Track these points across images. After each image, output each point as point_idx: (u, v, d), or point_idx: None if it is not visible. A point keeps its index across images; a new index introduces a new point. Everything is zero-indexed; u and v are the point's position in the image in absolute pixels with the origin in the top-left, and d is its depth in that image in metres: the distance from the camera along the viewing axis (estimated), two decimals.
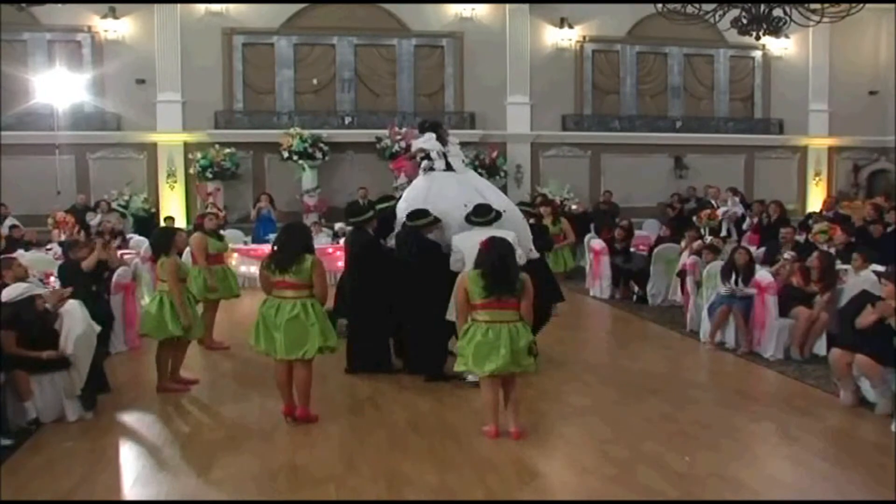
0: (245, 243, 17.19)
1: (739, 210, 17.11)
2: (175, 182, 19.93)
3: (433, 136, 10.00)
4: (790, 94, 22.67)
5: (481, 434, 7.13)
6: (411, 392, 8.65)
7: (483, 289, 6.89)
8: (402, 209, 9.46)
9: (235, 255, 14.89)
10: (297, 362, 7.42)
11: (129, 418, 7.91)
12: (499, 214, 9.01)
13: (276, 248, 7.60)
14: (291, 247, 7.42)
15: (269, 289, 7.52)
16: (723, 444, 7.10)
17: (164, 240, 9.07)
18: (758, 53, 22.59)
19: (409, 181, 10.33)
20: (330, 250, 16.25)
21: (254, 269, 14.38)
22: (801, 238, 13.07)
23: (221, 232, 12.18)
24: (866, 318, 7.91)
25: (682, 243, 13.79)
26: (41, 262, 12.00)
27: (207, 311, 10.74)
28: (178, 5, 19.79)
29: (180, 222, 18.42)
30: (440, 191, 9.53)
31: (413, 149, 10.17)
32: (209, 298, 10.71)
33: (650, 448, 6.96)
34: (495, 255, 7.04)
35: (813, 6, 12.55)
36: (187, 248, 11.32)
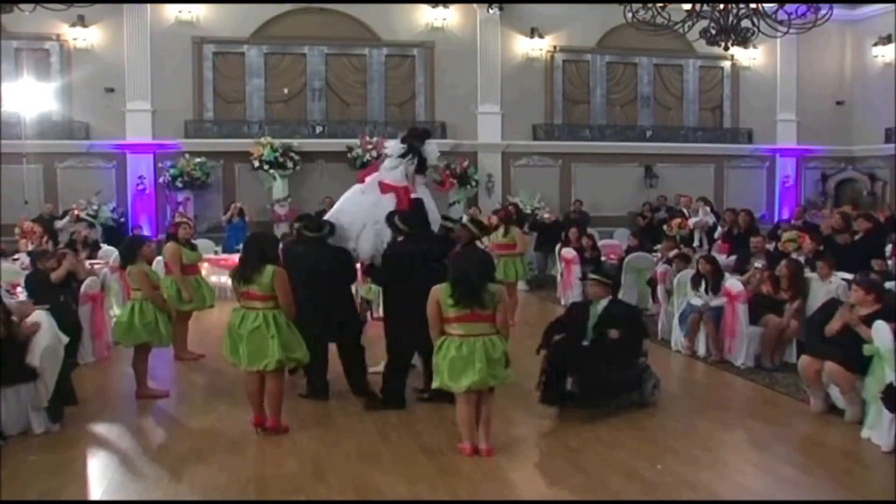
0: (216, 253, 17.08)
1: (710, 220, 17.19)
2: (144, 191, 19.78)
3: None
4: (758, 103, 22.90)
5: (453, 446, 7.06)
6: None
7: (454, 299, 6.77)
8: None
9: (206, 264, 14.80)
10: (268, 374, 7.33)
11: (97, 430, 7.82)
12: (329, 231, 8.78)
13: (240, 259, 7.55)
14: (253, 258, 7.36)
15: (238, 298, 7.48)
16: (693, 452, 7.12)
17: (129, 249, 9.10)
18: (726, 64, 22.80)
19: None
20: None
21: (224, 279, 14.29)
22: (770, 247, 13.15)
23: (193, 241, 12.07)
24: (833, 325, 7.97)
25: (659, 253, 13.89)
26: (8, 273, 11.85)
27: (181, 321, 10.67)
28: (149, 14, 19.70)
29: (150, 232, 18.31)
30: None
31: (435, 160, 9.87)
32: (182, 309, 10.63)
33: (620, 457, 6.97)
34: (465, 267, 6.96)
35: (780, 17, 12.65)
36: (158, 258, 11.30)
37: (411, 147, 9.34)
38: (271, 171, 19.43)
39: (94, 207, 18.73)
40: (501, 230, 13.90)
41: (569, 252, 15.30)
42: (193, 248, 11.30)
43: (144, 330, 8.67)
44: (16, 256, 13.99)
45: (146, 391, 8.85)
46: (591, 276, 8.81)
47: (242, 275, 7.31)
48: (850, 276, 9.38)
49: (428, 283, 7.63)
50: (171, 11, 19.90)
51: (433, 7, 20.91)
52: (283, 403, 7.58)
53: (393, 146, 9.50)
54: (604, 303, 8.43)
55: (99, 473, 6.77)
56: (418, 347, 8.43)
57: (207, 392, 9.18)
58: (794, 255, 11.95)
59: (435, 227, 9.13)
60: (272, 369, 7.28)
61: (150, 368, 9.15)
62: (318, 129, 20.54)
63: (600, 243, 16.31)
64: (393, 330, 8.51)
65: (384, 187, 9.22)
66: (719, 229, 16.27)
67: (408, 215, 8.65)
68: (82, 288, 10.54)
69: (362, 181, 9.66)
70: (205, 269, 14.04)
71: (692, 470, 6.66)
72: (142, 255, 9.03)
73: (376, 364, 8.95)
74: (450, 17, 21.08)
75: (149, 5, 19.67)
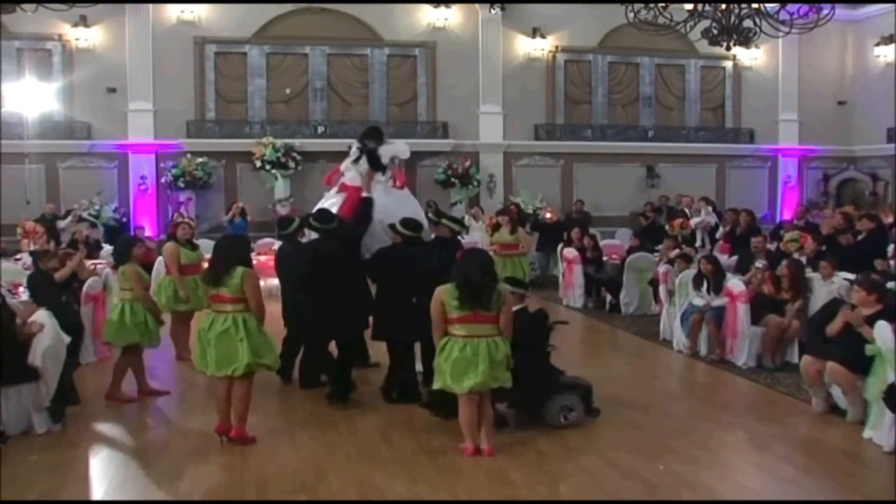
0: None
1: (712, 220, 17.16)
2: (146, 191, 19.79)
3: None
4: (760, 103, 22.93)
5: (454, 447, 7.06)
6: (383, 403, 8.57)
7: (458, 300, 6.74)
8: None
9: (206, 265, 14.76)
10: (236, 379, 7.13)
11: (98, 430, 7.82)
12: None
13: (210, 260, 7.44)
14: (223, 259, 7.21)
15: (208, 302, 7.39)
16: (694, 452, 7.11)
17: (122, 249, 9.06)
18: (728, 64, 22.81)
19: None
20: None
21: None
22: (772, 247, 13.14)
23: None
24: (836, 325, 7.96)
25: (660, 254, 13.87)
26: (10, 273, 11.84)
27: (182, 322, 10.67)
28: (150, 14, 19.73)
29: (152, 232, 18.33)
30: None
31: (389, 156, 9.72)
32: (178, 310, 10.62)
33: (621, 457, 6.97)
34: (470, 268, 6.90)
35: (782, 17, 12.63)
36: (160, 258, 11.29)
37: (361, 146, 9.48)
38: (273, 171, 19.45)
39: (96, 207, 18.74)
40: (507, 230, 13.91)
41: (571, 252, 15.29)
42: (194, 248, 11.25)
43: (136, 330, 8.60)
44: (18, 256, 13.98)
45: (115, 394, 8.73)
46: (505, 285, 7.96)
47: (212, 276, 7.18)
48: (852, 277, 9.37)
49: (334, 279, 8.32)
50: (172, 11, 19.94)
51: (435, 7, 20.93)
52: (278, 405, 7.54)
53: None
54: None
55: (100, 473, 6.77)
56: (323, 337, 8.74)
57: (208, 392, 9.12)
58: (796, 256, 11.93)
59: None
60: (240, 374, 7.09)
61: (150, 368, 9.17)
62: (320, 129, 20.56)
63: (602, 243, 16.27)
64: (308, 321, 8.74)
65: (341, 187, 9.50)
66: (721, 229, 16.26)
67: (321, 215, 8.84)
68: (84, 288, 10.53)
69: (327, 182, 9.91)
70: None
71: (693, 470, 6.66)
72: (134, 256, 8.92)
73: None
74: (451, 17, 21.10)
75: (150, 5, 19.72)
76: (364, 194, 9.10)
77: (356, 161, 9.46)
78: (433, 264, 8.26)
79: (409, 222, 8.62)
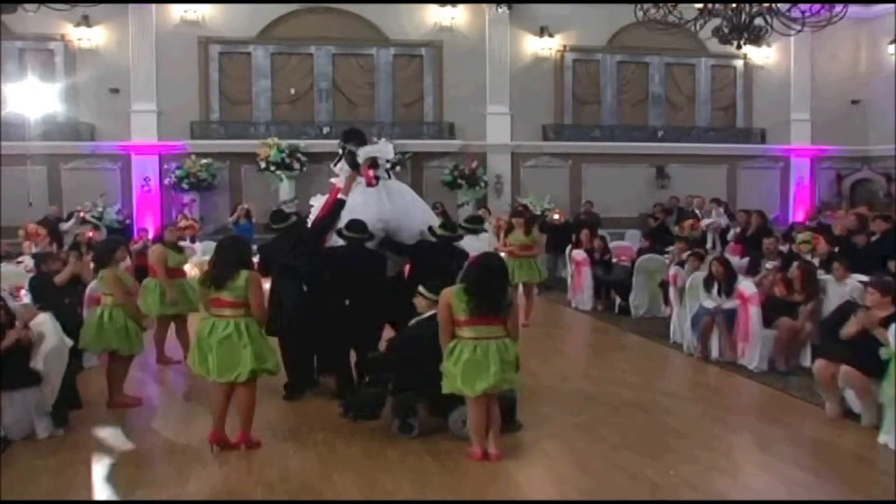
0: None
1: (724, 221, 17.04)
2: (150, 193, 19.71)
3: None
4: (772, 103, 22.69)
5: (459, 448, 6.99)
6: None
7: (467, 304, 6.66)
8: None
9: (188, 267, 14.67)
10: (239, 385, 7.02)
11: (102, 434, 7.76)
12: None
13: (211, 263, 7.32)
14: (226, 262, 7.06)
15: (207, 306, 7.24)
16: (702, 455, 7.04)
17: (103, 252, 8.90)
18: (739, 63, 22.59)
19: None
20: None
21: None
22: (784, 248, 13.00)
23: (196, 244, 11.94)
24: (850, 328, 7.81)
25: (670, 256, 13.72)
26: (12, 275, 11.76)
27: (164, 326, 10.63)
28: (154, 14, 19.68)
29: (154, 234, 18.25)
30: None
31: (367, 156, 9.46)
32: (166, 313, 10.52)
33: (627, 459, 6.92)
34: (483, 272, 6.83)
35: (794, 15, 12.51)
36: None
37: (342, 148, 9.50)
38: (278, 172, 19.35)
39: (99, 209, 18.64)
40: (521, 231, 13.78)
41: (579, 254, 15.16)
42: (180, 250, 11.17)
43: (115, 337, 8.42)
44: (20, 259, 13.93)
45: (119, 400, 8.59)
46: (419, 289, 7.77)
47: (216, 279, 7.02)
48: (866, 278, 9.25)
49: (283, 278, 8.72)
50: (176, 11, 19.87)
51: (441, 6, 20.82)
52: (281, 407, 7.48)
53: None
54: (423, 316, 7.63)
55: (103, 477, 6.73)
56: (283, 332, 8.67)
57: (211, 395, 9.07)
58: (808, 257, 11.79)
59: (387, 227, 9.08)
60: (244, 380, 7.00)
61: (157, 371, 9.08)
62: (325, 130, 20.35)
63: (611, 245, 16.13)
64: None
65: (330, 188, 9.64)
66: (732, 231, 16.11)
67: (274, 215, 9.55)
68: (87, 290, 10.43)
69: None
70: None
71: (699, 472, 6.61)
72: (115, 260, 8.76)
73: None
74: (458, 16, 20.98)
75: (154, 5, 19.66)
76: (340, 196, 9.15)
77: (336, 163, 9.52)
78: (372, 267, 8.61)
79: (353, 225, 8.63)
